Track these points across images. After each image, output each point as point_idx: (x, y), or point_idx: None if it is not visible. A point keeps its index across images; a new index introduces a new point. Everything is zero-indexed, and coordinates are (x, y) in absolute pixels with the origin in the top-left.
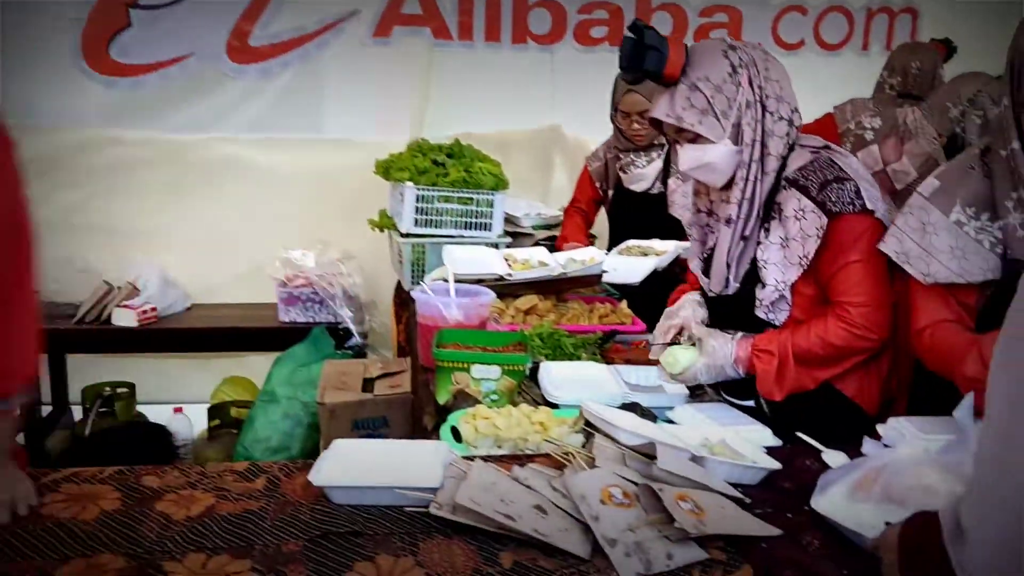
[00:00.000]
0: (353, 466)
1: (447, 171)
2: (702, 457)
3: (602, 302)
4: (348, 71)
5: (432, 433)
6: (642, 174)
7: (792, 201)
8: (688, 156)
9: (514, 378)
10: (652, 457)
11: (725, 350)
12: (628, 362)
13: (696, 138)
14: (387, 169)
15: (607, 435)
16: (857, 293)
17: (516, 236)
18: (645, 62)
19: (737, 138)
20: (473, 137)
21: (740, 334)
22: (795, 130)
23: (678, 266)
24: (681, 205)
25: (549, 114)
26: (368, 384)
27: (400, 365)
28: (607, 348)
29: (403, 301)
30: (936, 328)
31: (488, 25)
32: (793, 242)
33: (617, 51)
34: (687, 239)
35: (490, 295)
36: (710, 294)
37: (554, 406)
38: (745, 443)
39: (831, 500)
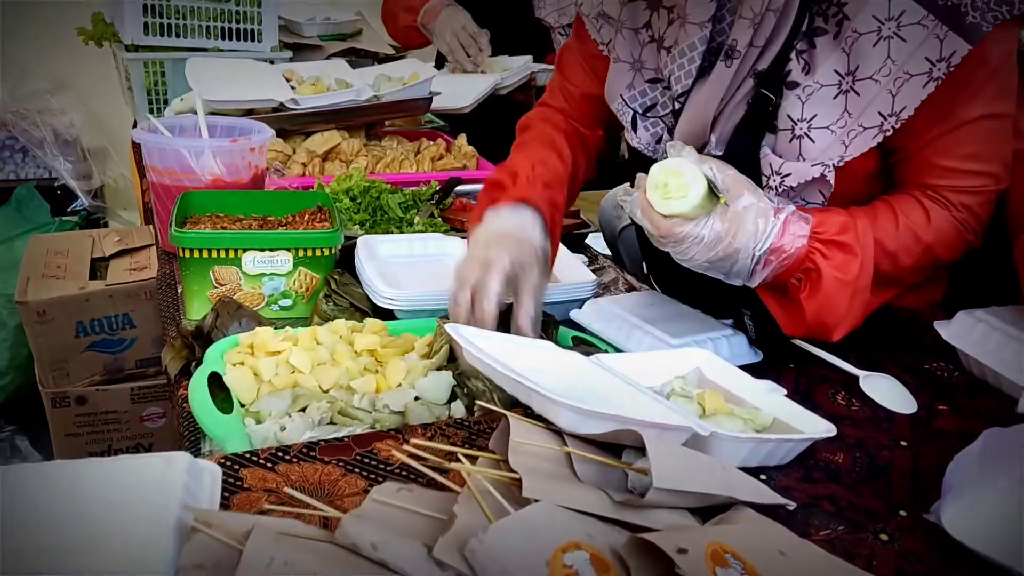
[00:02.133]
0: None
1: None
2: (705, 435)
3: (431, 138)
4: None
5: (179, 388)
6: None
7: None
8: None
9: (317, 270)
10: (628, 450)
11: (758, 225)
12: None
13: None
14: None
15: (515, 406)
16: (972, 172)
17: (298, 50)
18: None
19: None
20: None
21: (792, 208)
22: None
23: (532, 93)
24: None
25: None
26: (99, 267)
27: (145, 236)
28: (447, 207)
29: None
30: None
31: None
32: (868, 84)
33: None
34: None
35: (267, 132)
36: (656, 156)
37: (389, 314)
38: (733, 376)
39: (980, 518)
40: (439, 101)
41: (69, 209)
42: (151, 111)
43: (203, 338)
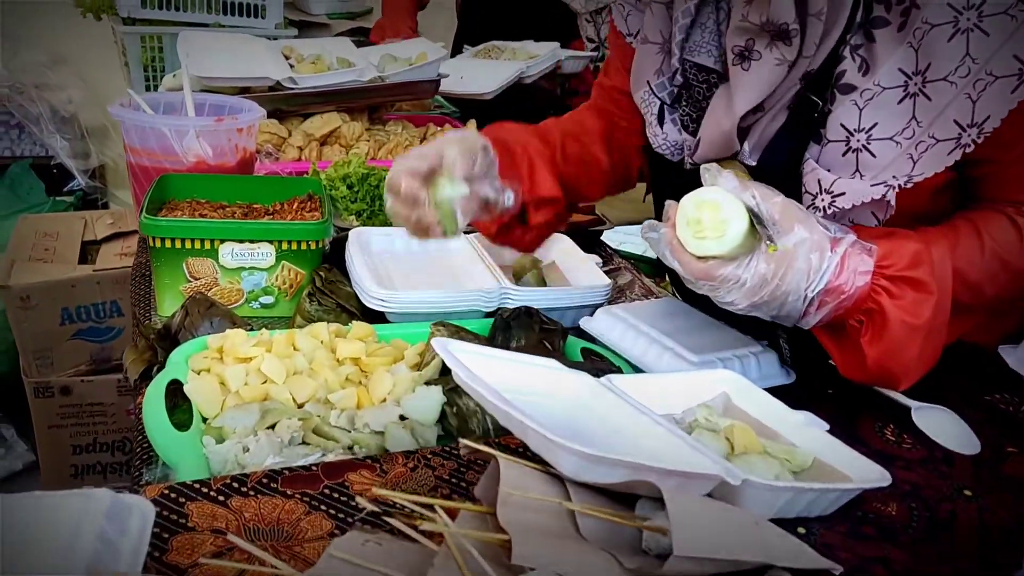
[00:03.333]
0: None
1: None
2: (736, 485)
3: (438, 124)
4: None
5: (138, 395)
6: None
7: None
8: None
9: (302, 265)
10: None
11: (814, 259)
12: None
13: None
14: None
15: (512, 446)
16: None
17: (304, 27)
18: None
19: None
20: None
21: (852, 238)
22: None
23: (557, 81)
24: None
25: None
26: (90, 251)
27: None
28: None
29: None
30: None
31: None
32: (942, 87)
33: None
34: (578, 43)
35: (256, 112)
36: (678, 159)
37: (379, 317)
38: (765, 404)
39: None
40: (460, 85)
41: (65, 189)
42: (148, 88)
43: (170, 339)
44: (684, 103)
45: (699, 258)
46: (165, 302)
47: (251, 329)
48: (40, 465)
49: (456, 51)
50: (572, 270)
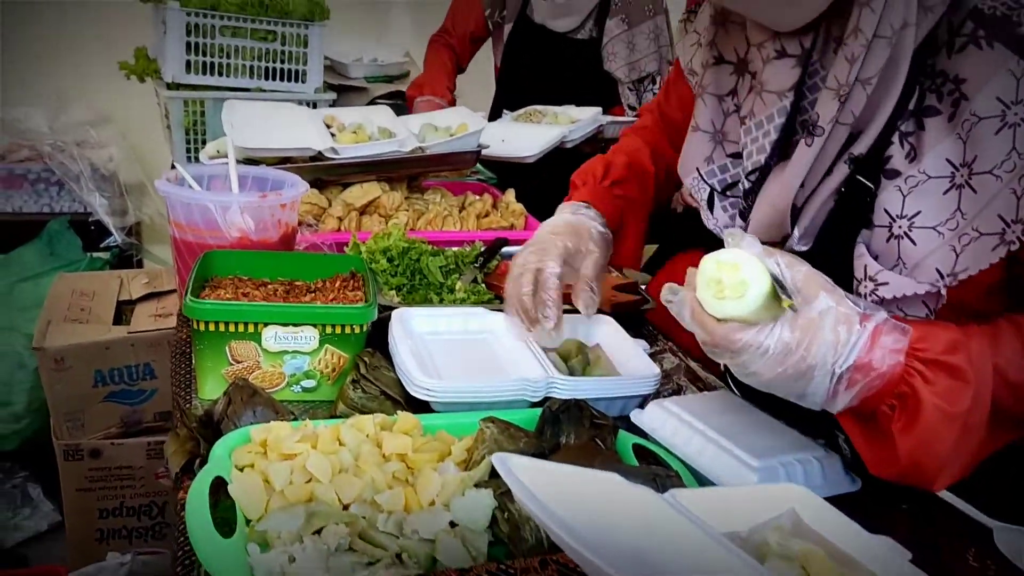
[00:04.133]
0: None
1: None
2: None
3: (477, 191)
4: None
5: (180, 489)
6: (570, 5)
7: (997, 76)
8: None
9: (345, 349)
10: None
11: (842, 331)
12: None
13: None
14: None
15: (570, 567)
16: None
17: (343, 91)
18: None
19: None
20: None
21: (883, 315)
22: None
23: (599, 147)
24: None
25: None
26: (125, 311)
27: (175, 279)
28: (491, 271)
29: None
30: None
31: None
32: (987, 180)
33: None
34: (619, 109)
35: (299, 187)
36: (731, 241)
37: (423, 406)
38: (838, 525)
39: None
40: (502, 148)
41: (101, 245)
42: (188, 150)
43: (212, 427)
44: (734, 192)
45: (719, 321)
46: (207, 384)
47: (294, 418)
48: (66, 528)
49: (494, 116)
50: (618, 354)
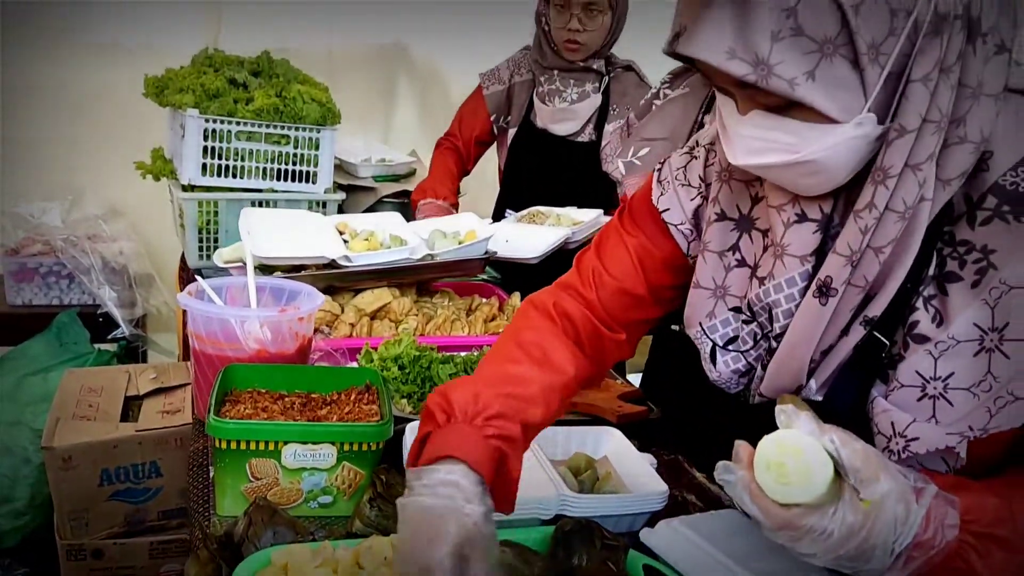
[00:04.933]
0: None
1: (252, 95)
2: None
3: (484, 294)
4: None
5: None
6: (571, 111)
7: (1020, 247)
8: (761, 138)
9: (362, 466)
10: None
11: (900, 510)
12: None
13: (788, 107)
14: (161, 90)
15: None
16: None
17: (351, 191)
18: None
19: (891, 106)
20: (290, 54)
21: (934, 488)
22: (1012, 67)
23: None
24: (679, 174)
25: (392, 27)
26: (132, 406)
27: (182, 374)
28: None
29: (193, 277)
30: None
31: None
32: (1020, 346)
33: None
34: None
35: (316, 298)
36: (735, 391)
37: None
38: None
39: None
40: (507, 249)
41: (109, 337)
42: (201, 248)
43: (232, 548)
44: (735, 347)
45: (782, 505)
46: (225, 500)
47: (313, 539)
48: None
49: (498, 214)
50: (626, 467)
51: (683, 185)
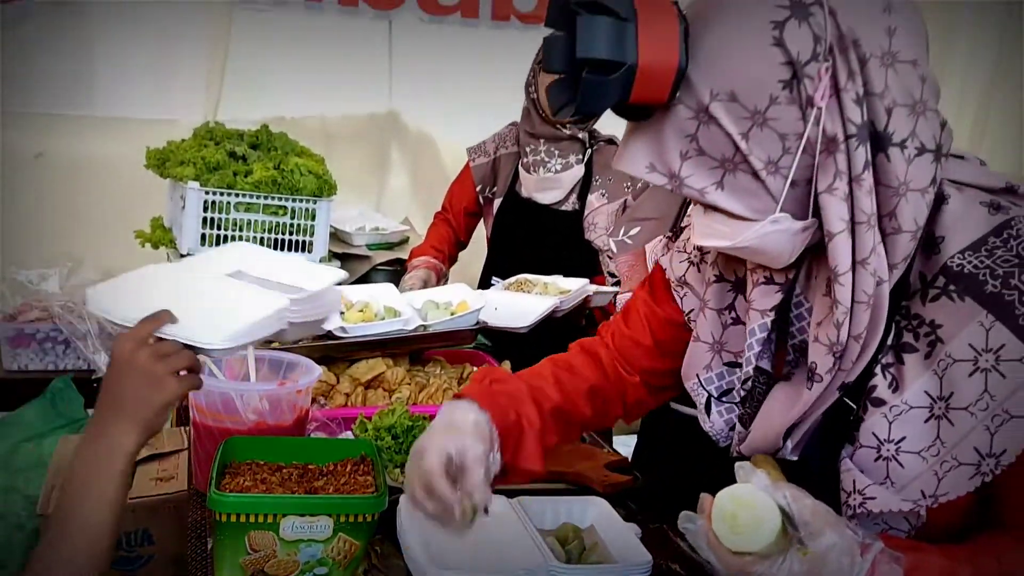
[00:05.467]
0: None
1: (251, 168)
2: None
3: (475, 362)
4: (121, 25)
5: None
6: (555, 180)
7: (969, 327)
8: (708, 227)
9: (357, 537)
10: None
11: (845, 562)
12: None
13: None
14: (163, 162)
15: None
16: None
17: (345, 259)
18: (577, 92)
19: (808, 206)
20: (286, 123)
21: (880, 545)
22: (943, 162)
23: (583, 313)
24: (652, 241)
25: (385, 97)
26: None
27: (176, 440)
28: None
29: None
30: None
31: None
32: (963, 416)
33: (471, 25)
34: (601, 278)
35: (314, 372)
36: (724, 444)
37: None
38: None
39: None
40: (496, 318)
41: None
42: None
43: None
44: (729, 398)
45: (735, 553)
46: (223, 572)
47: None
48: None
49: (485, 279)
50: (612, 537)
51: (679, 251)
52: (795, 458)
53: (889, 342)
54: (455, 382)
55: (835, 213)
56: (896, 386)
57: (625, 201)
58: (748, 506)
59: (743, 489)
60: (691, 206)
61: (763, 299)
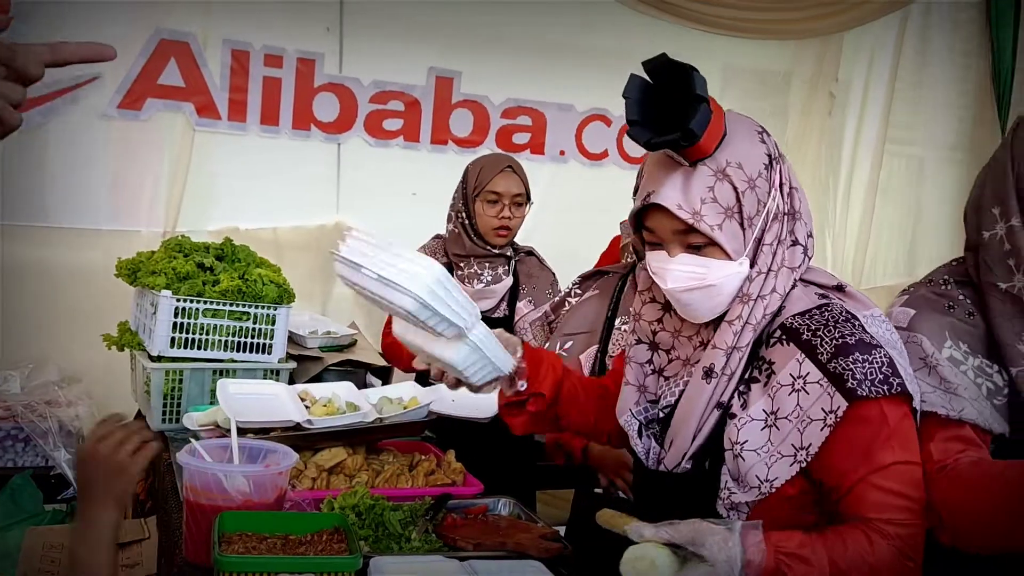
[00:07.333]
0: None
1: (218, 277)
2: None
3: (423, 451)
4: (82, 145)
5: None
6: (488, 291)
7: (790, 362)
8: (684, 271)
9: None
10: None
11: (728, 550)
12: (478, 546)
13: (703, 247)
14: (134, 272)
15: None
16: (900, 507)
17: (300, 360)
18: (692, 119)
19: (755, 259)
20: (240, 234)
21: (739, 523)
22: (807, 262)
23: None
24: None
25: (333, 211)
26: None
27: (139, 530)
28: (439, 523)
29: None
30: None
31: (265, 107)
32: (784, 422)
33: (413, 148)
34: None
35: (291, 457)
36: (651, 466)
37: None
38: None
39: None
40: (454, 409)
41: (59, 497)
42: (165, 413)
43: None
44: (651, 428)
45: None
46: None
47: None
48: None
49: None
50: None
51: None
52: (688, 467)
53: (746, 375)
54: (407, 468)
55: (764, 262)
56: (744, 404)
57: (546, 312)
58: (640, 559)
59: (629, 551)
60: (657, 263)
61: (683, 349)
